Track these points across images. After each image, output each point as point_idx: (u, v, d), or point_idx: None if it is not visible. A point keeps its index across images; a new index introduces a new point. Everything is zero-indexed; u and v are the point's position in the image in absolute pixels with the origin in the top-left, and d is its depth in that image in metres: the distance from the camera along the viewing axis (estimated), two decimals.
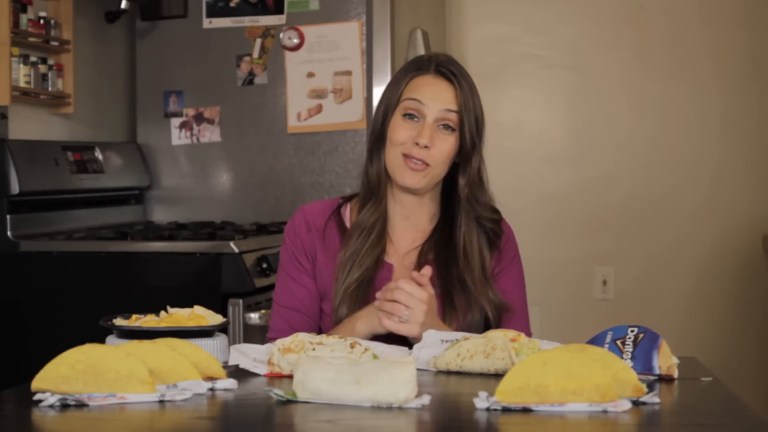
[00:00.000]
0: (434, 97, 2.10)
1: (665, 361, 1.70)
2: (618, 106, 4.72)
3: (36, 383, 1.58)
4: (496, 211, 2.19)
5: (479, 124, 2.14)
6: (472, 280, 2.13)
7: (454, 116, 2.10)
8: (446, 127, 2.10)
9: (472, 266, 2.14)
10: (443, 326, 2.04)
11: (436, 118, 2.10)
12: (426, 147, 2.08)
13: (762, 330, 4.60)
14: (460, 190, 2.14)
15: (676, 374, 1.71)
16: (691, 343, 4.44)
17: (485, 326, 2.13)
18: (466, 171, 2.13)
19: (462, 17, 4.79)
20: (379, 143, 2.15)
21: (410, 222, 2.19)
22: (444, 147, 2.10)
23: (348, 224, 2.19)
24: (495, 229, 2.18)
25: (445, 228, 2.18)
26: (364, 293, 2.10)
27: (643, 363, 1.69)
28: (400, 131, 2.10)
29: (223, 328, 1.92)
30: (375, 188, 2.16)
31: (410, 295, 1.96)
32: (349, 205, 2.23)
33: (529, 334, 2.21)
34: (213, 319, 1.91)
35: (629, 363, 1.68)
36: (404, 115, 2.11)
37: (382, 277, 2.14)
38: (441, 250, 2.16)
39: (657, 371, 1.68)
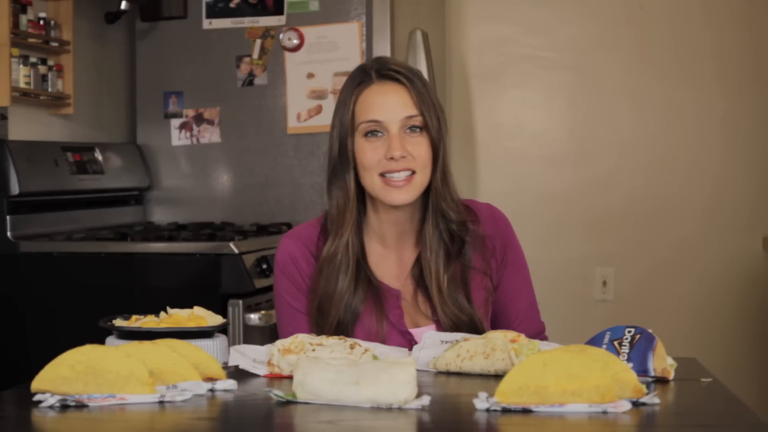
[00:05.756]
0: (389, 108, 1.99)
1: (660, 363, 1.69)
2: (618, 107, 4.71)
3: (36, 384, 1.58)
4: (460, 209, 2.07)
5: (440, 115, 2.03)
6: (430, 290, 2.04)
7: (417, 118, 2.00)
8: (413, 129, 2.00)
9: (430, 276, 2.03)
10: None
11: (400, 127, 1.99)
12: (403, 157, 1.98)
13: (762, 331, 4.60)
14: (431, 189, 2.03)
15: (671, 376, 1.70)
16: (691, 344, 4.43)
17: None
18: (436, 168, 2.02)
19: (462, 18, 4.78)
20: (342, 169, 2.03)
21: (407, 238, 2.09)
22: (421, 150, 2.00)
23: None
24: (458, 230, 2.06)
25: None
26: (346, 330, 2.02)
27: (638, 364, 1.68)
28: (368, 153, 1.99)
29: (222, 329, 1.92)
30: (340, 219, 2.04)
31: None
32: None
33: (541, 328, 2.18)
34: (213, 320, 1.91)
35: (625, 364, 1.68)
36: (366, 135, 2.00)
37: (392, 304, 2.05)
38: (422, 270, 2.07)
39: (651, 373, 1.68)
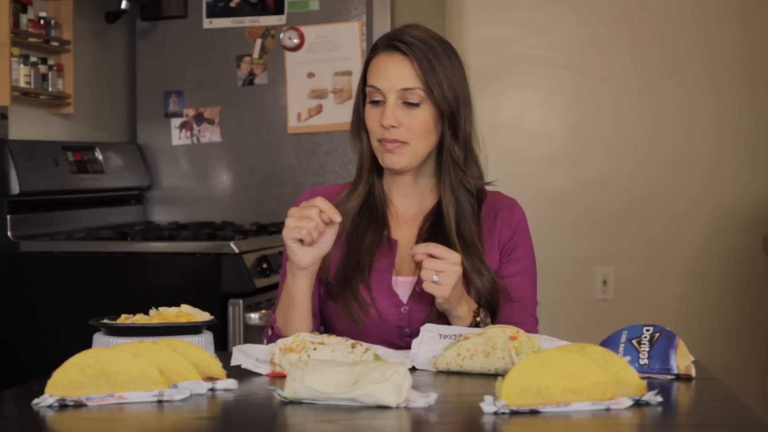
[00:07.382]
0: (388, 78, 2.06)
1: (683, 360, 1.69)
2: (618, 107, 4.72)
3: (49, 391, 1.55)
4: (480, 178, 2.16)
5: (454, 87, 2.09)
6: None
7: (415, 91, 2.06)
8: (408, 104, 2.06)
9: (451, 239, 2.09)
10: (467, 296, 2.02)
11: (397, 98, 2.06)
12: (393, 126, 2.05)
13: (762, 330, 4.60)
14: (444, 157, 2.11)
15: (694, 373, 1.70)
16: (691, 343, 4.40)
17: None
18: (456, 137, 2.11)
19: (462, 18, 4.78)
20: (357, 131, 2.14)
21: (411, 199, 2.16)
22: (413, 122, 2.06)
23: None
24: (470, 199, 2.13)
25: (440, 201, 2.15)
26: (354, 274, 2.08)
27: (660, 362, 1.68)
28: (369, 119, 2.09)
29: (211, 326, 1.92)
30: (359, 173, 2.16)
31: (442, 259, 1.94)
32: None
33: (533, 324, 2.18)
34: (201, 317, 1.91)
35: (646, 362, 1.68)
36: (371, 102, 2.09)
37: (385, 251, 2.12)
38: (436, 225, 2.13)
39: (675, 371, 1.68)
